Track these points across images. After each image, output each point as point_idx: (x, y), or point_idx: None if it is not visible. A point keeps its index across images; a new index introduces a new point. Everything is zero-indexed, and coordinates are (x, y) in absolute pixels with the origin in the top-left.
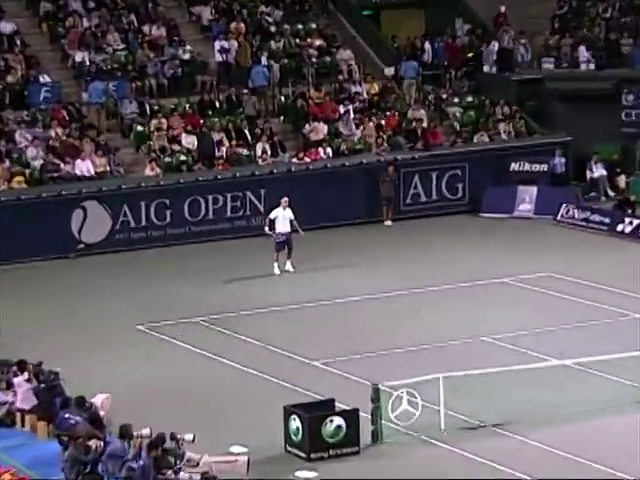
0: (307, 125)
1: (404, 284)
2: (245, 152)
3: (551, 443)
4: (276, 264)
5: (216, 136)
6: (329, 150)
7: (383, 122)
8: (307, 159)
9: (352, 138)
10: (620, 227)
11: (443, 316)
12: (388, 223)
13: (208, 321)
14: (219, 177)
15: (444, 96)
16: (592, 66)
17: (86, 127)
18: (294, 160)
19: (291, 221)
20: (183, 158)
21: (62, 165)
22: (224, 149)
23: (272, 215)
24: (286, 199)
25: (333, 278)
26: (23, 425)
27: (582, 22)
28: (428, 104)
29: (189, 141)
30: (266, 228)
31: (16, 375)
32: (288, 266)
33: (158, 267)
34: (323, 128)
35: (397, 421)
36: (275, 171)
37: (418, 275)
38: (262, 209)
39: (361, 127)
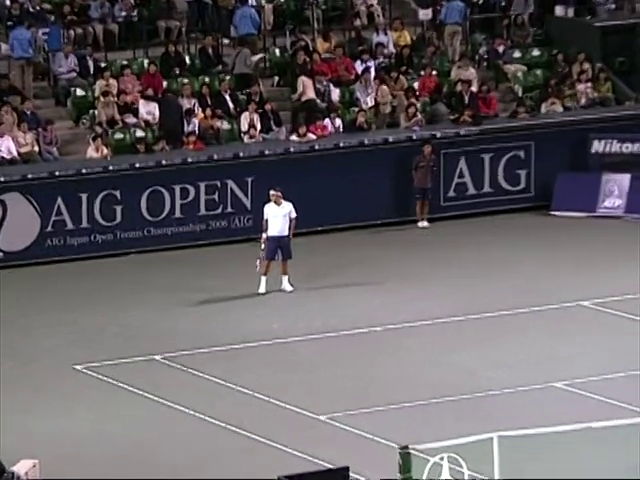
0: (299, 83)
1: (442, 310)
2: (226, 126)
3: None
4: (264, 279)
5: (186, 104)
6: (341, 123)
7: (416, 85)
8: (311, 135)
9: (372, 106)
10: None
11: (495, 353)
12: (423, 224)
13: (169, 359)
14: (189, 160)
15: (500, 49)
16: None
17: (5, 91)
18: (293, 137)
19: (291, 220)
20: (140, 134)
21: None
22: (196, 122)
23: (266, 214)
24: (277, 192)
25: (344, 301)
26: None
27: None
28: (479, 60)
29: (148, 110)
30: (263, 235)
31: None
32: (284, 284)
33: (103, 284)
34: (334, 92)
35: None
36: (267, 152)
37: (462, 297)
38: (249, 205)
39: (385, 91)
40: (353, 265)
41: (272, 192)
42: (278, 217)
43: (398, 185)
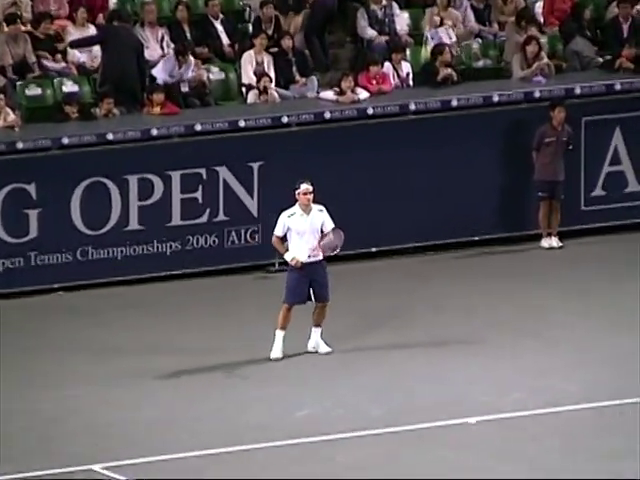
0: None
1: (584, 393)
2: (216, 75)
3: None
4: (280, 336)
5: (149, 37)
6: (411, 71)
7: (539, 7)
8: (361, 92)
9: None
10: None
11: None
12: (550, 243)
13: (114, 470)
14: (154, 134)
15: None
16: None
17: None
18: (329, 94)
19: (323, 236)
20: (70, 89)
21: None
22: (166, 68)
23: (281, 225)
24: (309, 187)
25: (417, 375)
26: None
27: None
28: None
29: (85, 49)
30: (276, 262)
31: None
32: (316, 341)
33: (8, 346)
34: (400, 18)
35: None
36: (287, 119)
37: (618, 374)
38: (254, 209)
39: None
40: (427, 312)
41: (302, 187)
42: (306, 233)
43: (507, 176)
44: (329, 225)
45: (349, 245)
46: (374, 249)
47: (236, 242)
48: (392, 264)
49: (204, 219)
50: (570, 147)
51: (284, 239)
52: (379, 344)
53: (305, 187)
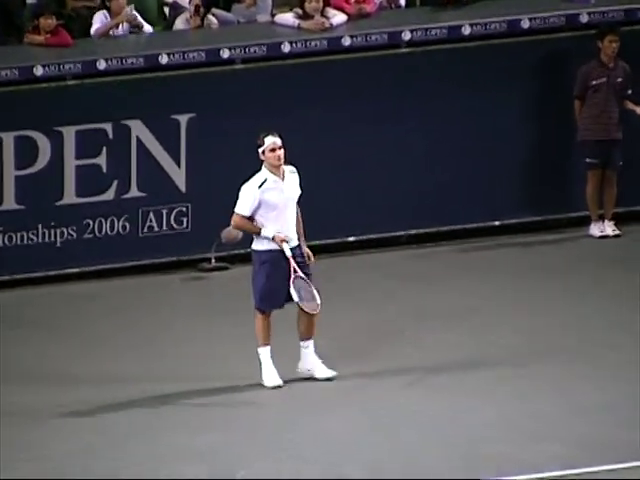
0: None
1: None
2: None
3: None
4: (267, 354)
5: None
6: None
7: None
8: (334, 16)
9: None
10: None
11: None
12: (603, 229)
13: None
14: (39, 73)
15: None
16: None
17: None
18: (288, 18)
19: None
20: None
21: None
22: None
23: (250, 200)
24: (277, 140)
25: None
26: None
27: None
28: None
29: None
30: (212, 257)
31: None
32: (310, 361)
33: None
34: None
35: None
36: (228, 54)
37: None
38: (183, 180)
39: None
40: (427, 324)
41: (267, 141)
42: (283, 206)
43: (539, 136)
44: (297, 194)
45: (318, 233)
46: (351, 238)
47: (155, 228)
48: (378, 259)
49: (110, 195)
50: (628, 92)
51: (250, 220)
52: (362, 370)
53: (272, 140)
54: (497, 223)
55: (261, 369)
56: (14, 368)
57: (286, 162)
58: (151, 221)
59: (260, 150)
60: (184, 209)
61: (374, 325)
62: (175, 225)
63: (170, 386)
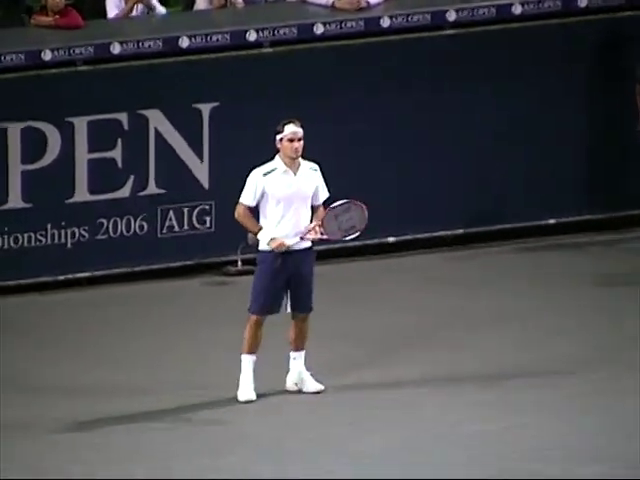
0: None
1: None
2: None
3: None
4: (249, 363)
5: None
6: None
7: None
8: None
9: None
10: None
11: None
12: None
13: None
14: (47, 58)
15: None
16: None
17: None
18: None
19: (315, 209)
20: None
21: None
22: None
23: (252, 188)
24: (298, 131)
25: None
26: None
27: None
28: None
29: None
30: (238, 259)
31: None
32: (297, 374)
33: None
34: None
35: None
36: (255, 37)
37: None
38: (206, 176)
39: None
40: (462, 334)
41: (287, 130)
42: (291, 202)
43: (596, 126)
44: (323, 194)
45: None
46: (391, 239)
47: (176, 229)
48: (415, 262)
49: (125, 193)
50: None
51: (254, 211)
52: (396, 380)
53: (292, 130)
54: (552, 221)
55: (239, 379)
56: (17, 380)
57: (305, 156)
58: (171, 220)
59: (278, 137)
60: (207, 207)
61: (410, 331)
62: (197, 225)
63: (185, 399)
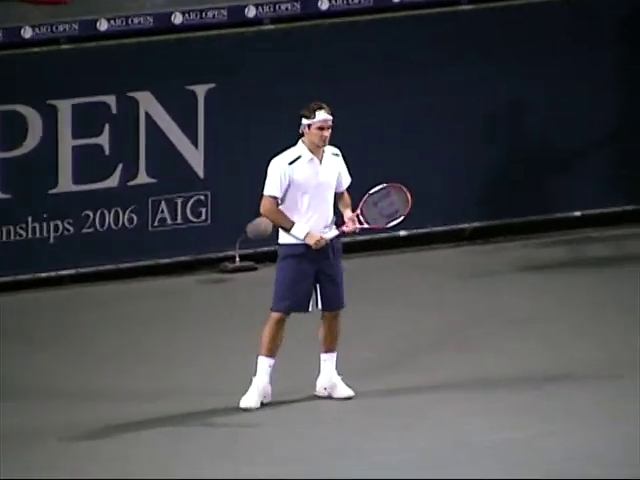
0: None
1: None
2: None
3: None
4: (265, 366)
5: None
6: None
7: None
8: None
9: None
10: None
11: None
12: None
13: None
14: (28, 36)
15: None
16: None
17: None
18: None
19: (341, 197)
20: None
21: None
22: None
23: (278, 178)
24: (328, 118)
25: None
26: None
27: None
28: None
29: None
30: (236, 255)
31: None
32: (328, 377)
33: None
34: None
35: None
36: (254, 13)
37: None
38: (201, 164)
39: None
40: (494, 337)
41: (319, 116)
42: (319, 191)
43: (625, 110)
44: (346, 180)
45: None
46: (403, 232)
47: (168, 221)
48: (433, 257)
49: (114, 182)
50: None
51: (278, 203)
52: (413, 386)
53: (323, 117)
54: (578, 214)
55: (249, 388)
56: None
57: (330, 142)
58: (163, 213)
59: (305, 122)
60: (202, 198)
61: (426, 334)
62: (192, 217)
63: (180, 406)
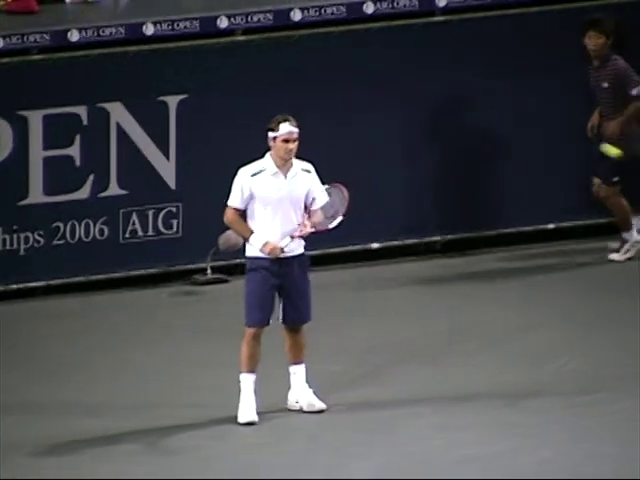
0: None
1: None
2: None
3: None
4: (249, 382)
5: None
6: None
7: None
8: None
9: None
10: None
11: None
12: (615, 256)
13: None
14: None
15: None
16: None
17: None
18: None
19: (310, 214)
20: None
21: None
22: None
23: (239, 190)
24: (294, 130)
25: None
26: None
27: None
28: None
29: None
30: (207, 267)
31: None
32: (299, 391)
33: None
34: None
35: None
36: (226, 24)
37: None
38: (173, 176)
39: None
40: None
41: (282, 129)
42: (282, 206)
43: None
44: (320, 198)
45: (336, 239)
46: (375, 245)
47: (139, 233)
48: (405, 269)
49: (84, 194)
50: None
51: (242, 214)
52: (383, 401)
53: (288, 129)
54: (552, 226)
55: (239, 400)
56: None
57: (299, 156)
58: (134, 224)
59: (271, 135)
60: (174, 210)
61: (397, 347)
62: (163, 229)
63: (152, 422)
